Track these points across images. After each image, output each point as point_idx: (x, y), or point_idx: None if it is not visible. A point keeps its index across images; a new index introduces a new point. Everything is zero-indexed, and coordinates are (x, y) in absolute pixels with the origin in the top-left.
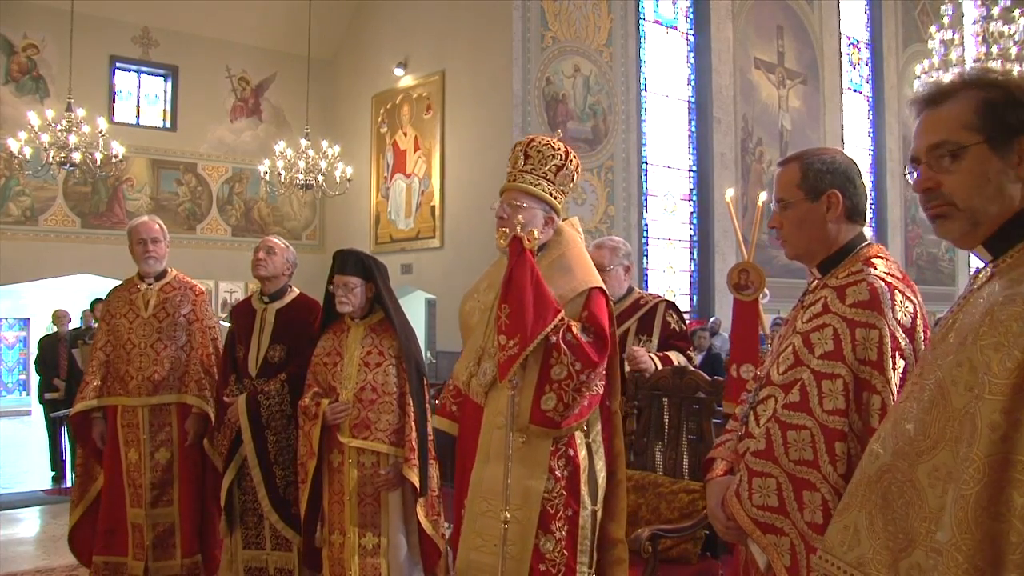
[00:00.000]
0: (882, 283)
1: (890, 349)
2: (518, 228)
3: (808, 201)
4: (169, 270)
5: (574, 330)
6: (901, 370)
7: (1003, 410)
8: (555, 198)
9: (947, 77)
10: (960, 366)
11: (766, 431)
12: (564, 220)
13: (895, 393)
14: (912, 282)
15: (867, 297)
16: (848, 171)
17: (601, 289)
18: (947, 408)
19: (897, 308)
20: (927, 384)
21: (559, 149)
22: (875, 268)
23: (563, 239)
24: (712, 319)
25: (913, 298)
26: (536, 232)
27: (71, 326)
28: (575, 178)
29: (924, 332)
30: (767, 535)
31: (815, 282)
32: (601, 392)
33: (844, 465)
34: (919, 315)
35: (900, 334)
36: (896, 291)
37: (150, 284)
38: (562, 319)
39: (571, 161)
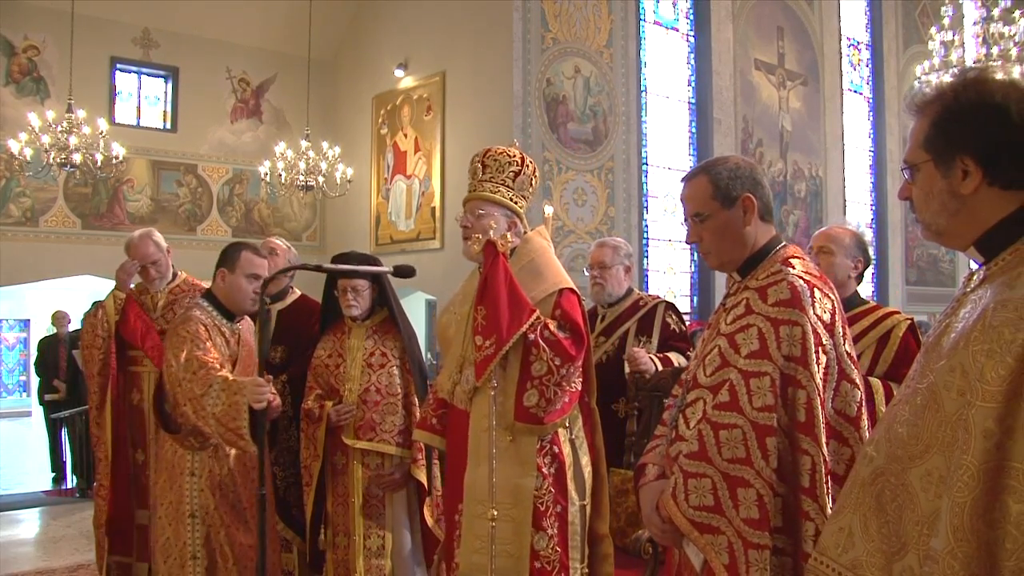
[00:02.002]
0: (802, 281)
1: (813, 345)
2: (491, 233)
3: (724, 209)
4: (179, 272)
5: (551, 327)
6: (823, 365)
7: (996, 417)
8: (516, 203)
9: (947, 78)
10: (953, 371)
11: (698, 432)
12: (532, 230)
13: (819, 387)
14: (829, 280)
15: (788, 296)
16: (753, 173)
17: (572, 289)
18: (939, 412)
19: (817, 305)
20: (920, 388)
21: (515, 156)
22: (793, 268)
23: (531, 246)
24: None
25: (831, 295)
26: (509, 236)
27: (71, 327)
28: (533, 182)
29: (843, 328)
30: (704, 535)
31: (735, 285)
32: (580, 388)
33: (775, 460)
34: (837, 312)
35: (821, 330)
36: (815, 289)
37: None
38: (538, 317)
39: (527, 167)
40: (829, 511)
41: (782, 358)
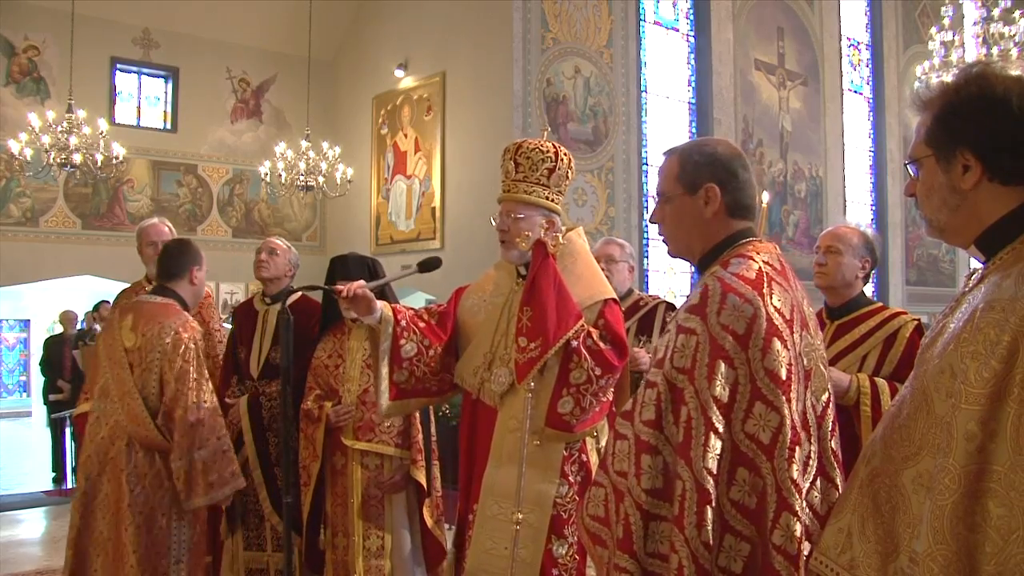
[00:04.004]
0: (718, 285)
1: (707, 356)
2: (542, 232)
3: (687, 195)
4: None
5: (594, 336)
6: (729, 381)
7: (979, 420)
8: (552, 200)
9: (948, 78)
10: (942, 373)
11: (609, 440)
12: (571, 230)
13: (705, 404)
14: (779, 282)
15: (696, 301)
16: (729, 164)
17: (615, 300)
18: (930, 415)
19: (724, 312)
20: (915, 389)
21: (548, 151)
22: (726, 268)
23: (572, 248)
24: None
25: (756, 301)
26: (561, 238)
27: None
28: (570, 176)
29: (766, 338)
30: (596, 547)
31: None
32: (611, 399)
33: (650, 480)
34: (762, 320)
35: (729, 342)
36: (730, 294)
37: None
38: (583, 325)
39: (563, 160)
40: (699, 543)
41: (672, 368)
